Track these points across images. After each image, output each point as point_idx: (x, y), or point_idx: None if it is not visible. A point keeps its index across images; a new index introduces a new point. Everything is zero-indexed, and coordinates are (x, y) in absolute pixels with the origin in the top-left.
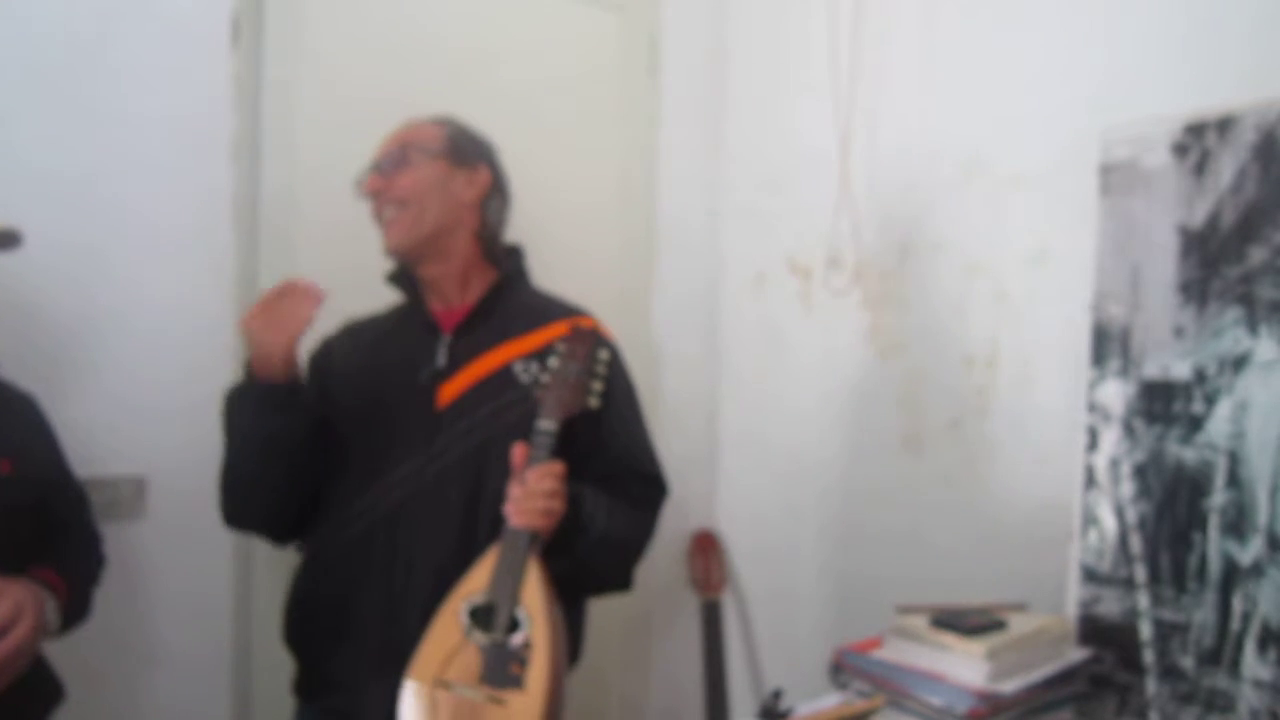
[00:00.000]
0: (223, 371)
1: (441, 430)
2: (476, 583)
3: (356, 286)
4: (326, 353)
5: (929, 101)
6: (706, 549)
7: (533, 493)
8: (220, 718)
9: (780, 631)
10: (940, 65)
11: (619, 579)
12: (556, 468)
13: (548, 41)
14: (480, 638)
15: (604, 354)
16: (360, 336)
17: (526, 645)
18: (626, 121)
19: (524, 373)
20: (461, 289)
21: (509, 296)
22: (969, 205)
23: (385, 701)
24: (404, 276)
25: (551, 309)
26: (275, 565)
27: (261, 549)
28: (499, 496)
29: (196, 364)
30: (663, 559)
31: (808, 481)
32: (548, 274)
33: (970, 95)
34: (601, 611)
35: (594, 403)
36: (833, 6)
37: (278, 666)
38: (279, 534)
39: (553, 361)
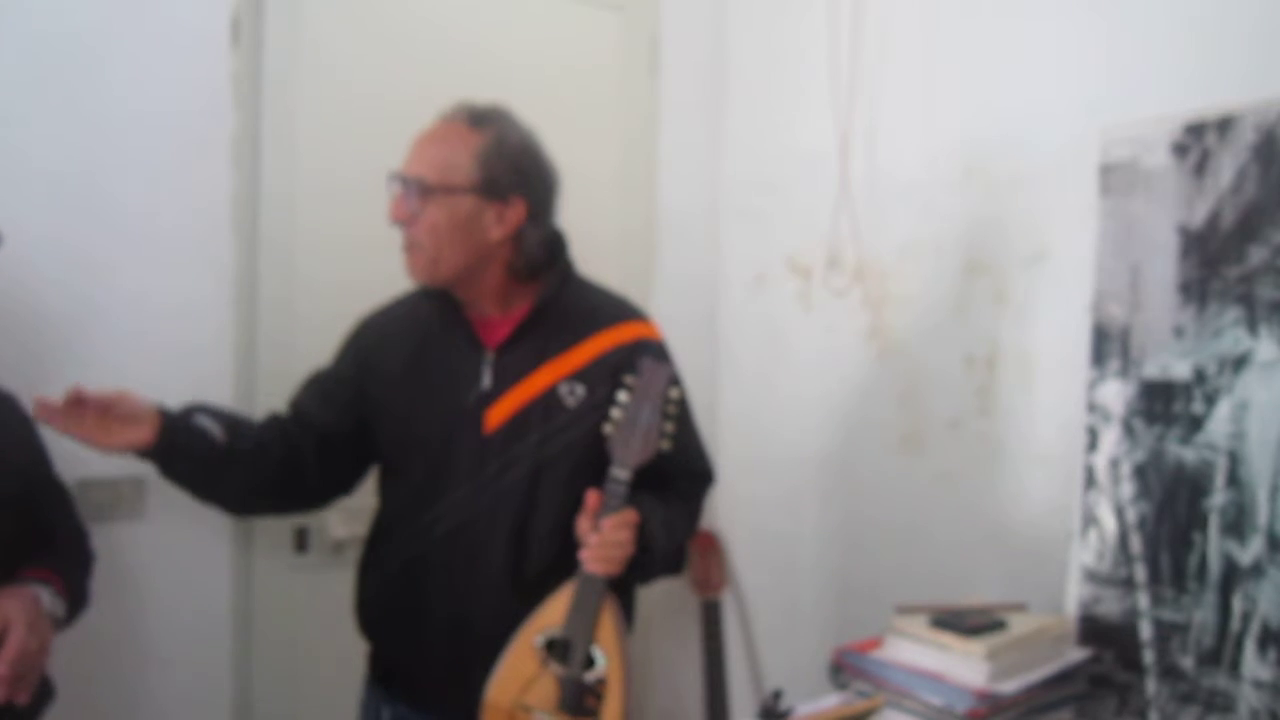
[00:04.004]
0: (222, 371)
1: (490, 456)
2: (550, 617)
3: (356, 287)
4: (366, 345)
5: (929, 101)
6: (706, 549)
7: (609, 542)
8: (220, 718)
9: (780, 631)
10: (940, 65)
11: (671, 571)
12: (631, 517)
13: (548, 41)
14: (557, 669)
15: (675, 393)
16: (400, 336)
17: (601, 681)
18: (627, 121)
19: (570, 395)
20: (500, 304)
21: (553, 306)
22: (969, 205)
23: (461, 712)
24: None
25: (597, 315)
26: (274, 566)
27: (261, 549)
28: (548, 517)
29: (196, 363)
30: None
31: (808, 481)
32: None
33: (970, 95)
34: None
35: (665, 446)
36: (833, 6)
37: (277, 666)
38: (287, 508)
39: (623, 397)
